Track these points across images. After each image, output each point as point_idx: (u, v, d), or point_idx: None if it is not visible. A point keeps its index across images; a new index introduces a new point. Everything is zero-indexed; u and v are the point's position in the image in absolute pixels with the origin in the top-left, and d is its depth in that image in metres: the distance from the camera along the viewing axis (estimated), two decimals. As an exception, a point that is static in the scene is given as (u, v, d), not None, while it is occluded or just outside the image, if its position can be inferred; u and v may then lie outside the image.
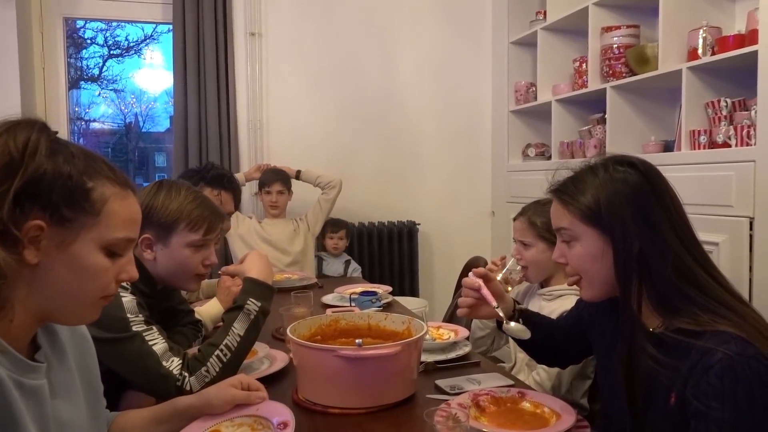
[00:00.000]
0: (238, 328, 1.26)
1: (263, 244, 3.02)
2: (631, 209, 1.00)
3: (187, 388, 1.18)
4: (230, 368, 1.23)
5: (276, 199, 3.08)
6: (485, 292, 1.20)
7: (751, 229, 1.98)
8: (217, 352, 1.23)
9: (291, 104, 3.51)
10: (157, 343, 1.21)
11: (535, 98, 3.36)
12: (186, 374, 1.19)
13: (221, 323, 1.33)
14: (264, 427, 1.04)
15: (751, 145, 2.04)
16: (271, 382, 1.35)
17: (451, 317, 2.44)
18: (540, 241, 1.66)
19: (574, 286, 1.13)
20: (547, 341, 1.31)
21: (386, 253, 3.53)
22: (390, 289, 2.28)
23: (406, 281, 3.57)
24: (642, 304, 1.01)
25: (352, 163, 3.58)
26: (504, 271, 1.78)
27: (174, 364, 1.19)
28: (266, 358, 1.47)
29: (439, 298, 3.37)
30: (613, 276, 1.02)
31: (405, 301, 2.91)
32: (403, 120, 3.68)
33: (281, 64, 3.48)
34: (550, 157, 3.29)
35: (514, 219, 1.76)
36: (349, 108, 3.59)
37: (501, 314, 1.20)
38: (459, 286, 2.67)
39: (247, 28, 3.39)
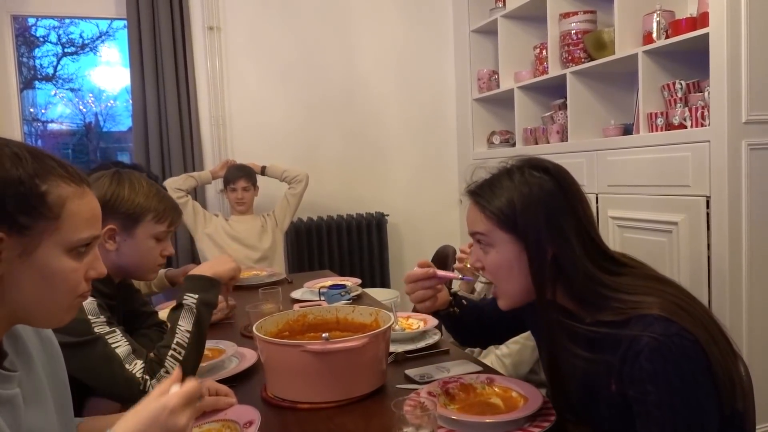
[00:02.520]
0: (184, 324, 1.25)
1: (231, 241, 2.98)
2: (544, 215, 0.99)
3: (150, 391, 1.16)
4: (189, 365, 1.22)
5: (242, 195, 3.04)
6: (442, 273, 1.21)
7: (707, 207, 2.04)
8: (171, 352, 1.22)
9: (254, 99, 3.46)
10: (120, 345, 1.18)
11: (498, 86, 3.39)
12: (147, 377, 1.17)
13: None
14: (232, 430, 1.03)
15: (705, 125, 2.09)
16: (240, 380, 1.34)
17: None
18: None
19: None
20: (480, 322, 1.33)
21: (356, 246, 3.52)
22: (359, 281, 2.28)
23: (376, 273, 3.57)
24: (568, 302, 1.02)
25: (318, 156, 3.56)
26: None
27: (137, 368, 1.17)
28: (234, 357, 1.46)
29: (411, 288, 3.40)
30: (528, 283, 1.01)
31: (376, 292, 2.91)
32: (368, 112, 3.67)
33: (242, 59, 3.42)
34: (514, 144, 3.32)
35: None
36: (313, 101, 3.56)
37: (475, 277, 1.18)
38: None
39: (205, 22, 3.32)
